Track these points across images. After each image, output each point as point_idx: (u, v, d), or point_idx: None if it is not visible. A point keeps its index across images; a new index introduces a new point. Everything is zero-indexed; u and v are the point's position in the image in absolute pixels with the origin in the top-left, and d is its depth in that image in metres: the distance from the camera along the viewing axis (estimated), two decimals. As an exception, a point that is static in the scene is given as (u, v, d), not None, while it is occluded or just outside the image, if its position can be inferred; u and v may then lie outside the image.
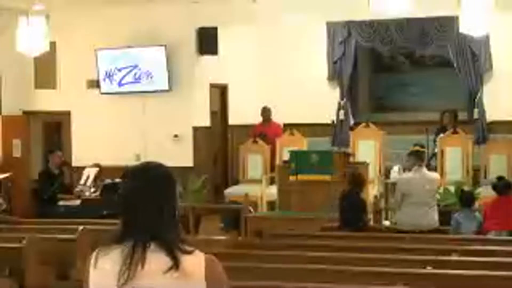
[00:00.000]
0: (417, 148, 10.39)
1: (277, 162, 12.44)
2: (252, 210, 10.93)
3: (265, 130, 13.44)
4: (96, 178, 12.23)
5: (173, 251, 2.58)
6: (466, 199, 9.30)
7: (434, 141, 12.58)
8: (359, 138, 12.89)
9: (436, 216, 8.96)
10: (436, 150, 12.47)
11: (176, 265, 2.56)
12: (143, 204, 2.65)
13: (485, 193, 10.63)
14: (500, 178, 9.42)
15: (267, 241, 8.26)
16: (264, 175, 12.77)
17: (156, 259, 2.57)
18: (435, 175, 9.56)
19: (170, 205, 2.68)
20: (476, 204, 9.94)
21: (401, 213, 9.14)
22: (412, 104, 14.24)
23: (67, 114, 13.97)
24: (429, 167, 11.17)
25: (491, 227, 8.75)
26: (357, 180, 9.25)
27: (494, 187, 9.15)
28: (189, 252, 2.61)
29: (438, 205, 9.31)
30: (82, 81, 13.83)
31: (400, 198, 9.04)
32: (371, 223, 10.04)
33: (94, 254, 2.68)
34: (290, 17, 13.66)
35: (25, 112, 14.06)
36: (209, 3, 12.86)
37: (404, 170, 10.29)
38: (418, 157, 9.17)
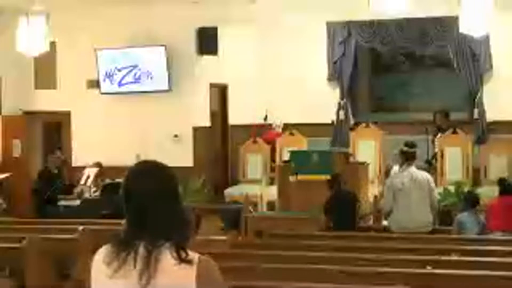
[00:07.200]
0: (406, 148, 10.25)
1: (277, 162, 12.44)
2: (252, 210, 10.93)
3: (262, 134, 13.57)
4: (96, 178, 12.25)
5: (183, 252, 2.59)
6: (470, 200, 9.09)
7: (433, 141, 12.56)
8: (359, 138, 12.90)
9: (428, 218, 8.54)
10: (436, 150, 12.45)
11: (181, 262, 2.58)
12: (155, 204, 2.64)
13: (485, 193, 10.61)
14: (503, 179, 9.32)
15: (267, 241, 8.26)
16: (264, 175, 12.77)
17: (165, 259, 2.58)
18: (422, 175, 8.82)
19: (180, 205, 2.69)
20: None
21: (391, 214, 8.96)
22: (412, 104, 14.24)
23: (67, 114, 13.95)
24: (430, 167, 11.14)
25: (497, 227, 8.66)
26: (337, 180, 9.24)
27: (508, 185, 9.01)
28: (187, 258, 2.60)
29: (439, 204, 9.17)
30: (82, 81, 13.83)
31: (389, 198, 8.76)
32: (371, 222, 10.03)
33: (102, 254, 2.67)
34: (290, 17, 13.66)
35: (25, 112, 14.05)
36: (209, 3, 12.85)
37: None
38: (404, 156, 8.90)
